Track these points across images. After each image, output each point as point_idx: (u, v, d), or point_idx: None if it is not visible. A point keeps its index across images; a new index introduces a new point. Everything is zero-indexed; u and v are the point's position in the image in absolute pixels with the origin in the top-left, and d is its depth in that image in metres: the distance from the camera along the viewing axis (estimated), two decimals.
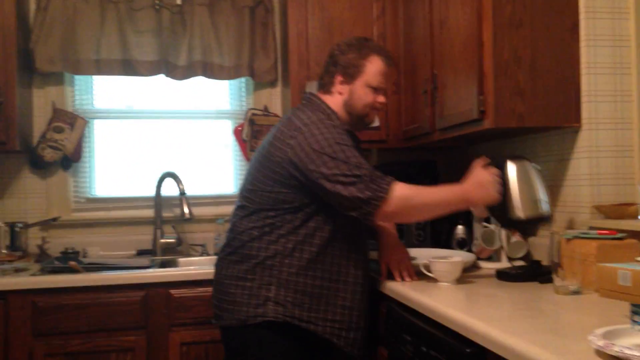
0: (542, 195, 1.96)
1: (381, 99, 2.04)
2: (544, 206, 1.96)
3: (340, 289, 1.93)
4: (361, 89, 2.01)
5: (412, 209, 1.86)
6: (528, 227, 1.99)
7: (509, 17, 2.06)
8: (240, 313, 1.89)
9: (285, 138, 1.89)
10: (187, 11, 3.10)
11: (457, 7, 2.28)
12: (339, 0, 2.92)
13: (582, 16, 2.10)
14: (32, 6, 3.00)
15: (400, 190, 1.82)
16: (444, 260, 1.98)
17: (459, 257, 2.07)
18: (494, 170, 1.85)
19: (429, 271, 1.99)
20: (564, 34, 2.10)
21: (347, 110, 2.04)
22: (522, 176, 1.94)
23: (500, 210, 1.91)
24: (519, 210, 1.90)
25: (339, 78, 2.03)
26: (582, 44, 2.10)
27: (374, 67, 2.02)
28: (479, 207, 1.93)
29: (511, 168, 1.95)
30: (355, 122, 2.06)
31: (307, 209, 1.90)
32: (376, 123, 2.93)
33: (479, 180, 1.85)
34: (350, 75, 2.02)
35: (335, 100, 2.04)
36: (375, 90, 2.03)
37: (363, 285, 1.99)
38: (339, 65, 2.03)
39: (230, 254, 1.98)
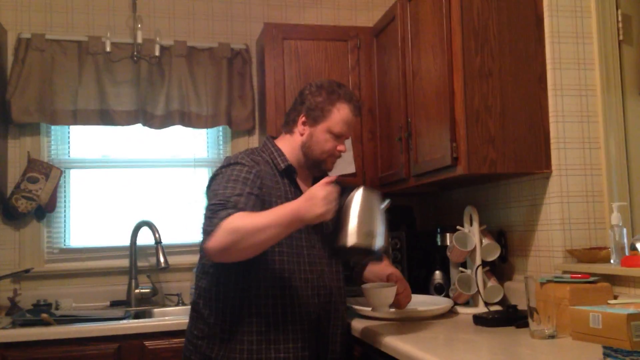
0: (379, 230, 1.74)
1: (341, 147, 2.00)
2: (376, 241, 1.73)
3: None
4: (322, 134, 1.97)
5: (242, 240, 1.65)
6: (352, 258, 1.74)
7: (479, 68, 2.13)
8: None
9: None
10: (166, 62, 3.15)
11: (429, 58, 2.35)
12: (315, 51, 2.99)
13: (549, 67, 2.18)
14: (10, 58, 3.01)
15: (228, 222, 1.65)
16: (378, 289, 1.92)
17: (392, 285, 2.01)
18: (329, 187, 1.67)
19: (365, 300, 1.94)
20: (532, 83, 2.18)
21: (303, 152, 2.00)
22: (366, 205, 1.74)
23: (331, 234, 1.73)
24: (350, 236, 1.69)
25: (302, 118, 2.00)
26: (550, 93, 2.17)
27: (339, 115, 1.97)
28: (311, 221, 1.68)
29: (358, 194, 1.75)
30: (311, 165, 2.02)
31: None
32: (352, 170, 2.98)
33: (309, 195, 1.67)
34: (314, 118, 1.98)
35: (293, 139, 2.02)
36: (337, 137, 1.98)
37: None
38: (306, 105, 2.00)
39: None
